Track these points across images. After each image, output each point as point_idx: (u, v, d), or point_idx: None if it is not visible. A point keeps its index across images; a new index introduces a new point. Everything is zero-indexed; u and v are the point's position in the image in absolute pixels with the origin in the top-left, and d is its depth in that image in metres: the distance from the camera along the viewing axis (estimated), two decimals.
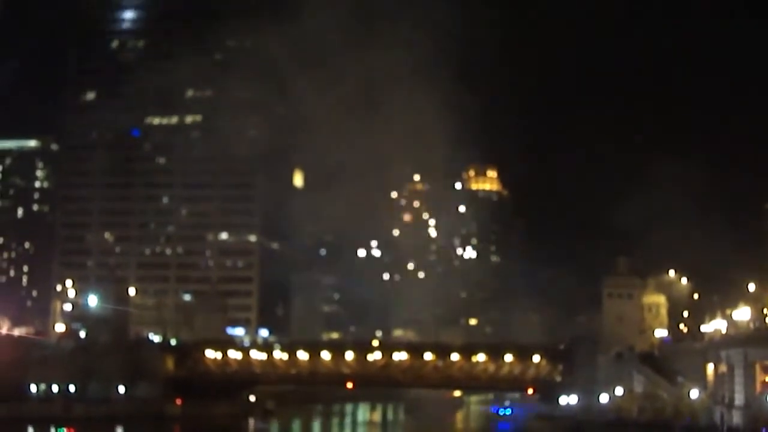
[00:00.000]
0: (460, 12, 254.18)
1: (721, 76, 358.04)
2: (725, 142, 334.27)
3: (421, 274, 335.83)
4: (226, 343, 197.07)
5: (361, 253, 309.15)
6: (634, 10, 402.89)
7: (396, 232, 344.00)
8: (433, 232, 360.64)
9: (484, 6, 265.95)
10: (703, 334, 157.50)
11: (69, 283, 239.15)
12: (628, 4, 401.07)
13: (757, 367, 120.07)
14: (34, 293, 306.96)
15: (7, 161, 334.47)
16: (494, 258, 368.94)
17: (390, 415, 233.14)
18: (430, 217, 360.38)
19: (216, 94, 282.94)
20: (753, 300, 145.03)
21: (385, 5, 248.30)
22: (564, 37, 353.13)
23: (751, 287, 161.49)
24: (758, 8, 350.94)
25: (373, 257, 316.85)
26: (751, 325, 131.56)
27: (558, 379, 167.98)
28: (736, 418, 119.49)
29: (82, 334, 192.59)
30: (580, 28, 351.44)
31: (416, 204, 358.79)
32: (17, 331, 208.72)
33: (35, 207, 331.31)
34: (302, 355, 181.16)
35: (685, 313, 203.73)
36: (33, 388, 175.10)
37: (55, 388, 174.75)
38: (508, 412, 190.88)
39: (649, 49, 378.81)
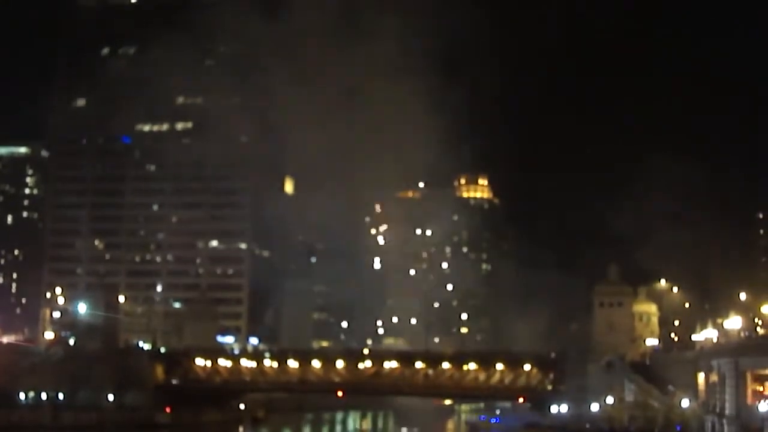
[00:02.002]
0: (448, 17, 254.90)
1: (719, 84, 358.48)
2: (718, 151, 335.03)
3: (412, 283, 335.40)
4: (216, 351, 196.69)
5: (352, 260, 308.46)
6: (629, 11, 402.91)
7: (387, 240, 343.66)
8: (424, 240, 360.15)
9: (473, 9, 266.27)
10: (694, 343, 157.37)
11: (58, 290, 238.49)
12: (622, 4, 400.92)
13: (748, 377, 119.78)
14: (23, 300, 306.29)
15: None
16: (485, 266, 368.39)
17: (380, 424, 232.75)
18: (421, 225, 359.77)
19: (206, 100, 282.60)
20: (744, 309, 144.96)
21: (375, 14, 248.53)
22: (555, 41, 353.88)
23: (742, 296, 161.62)
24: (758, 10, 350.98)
25: (364, 265, 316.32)
26: (742, 335, 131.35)
27: (549, 387, 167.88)
28: (727, 427, 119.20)
29: (72, 341, 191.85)
30: (572, 31, 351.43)
31: (407, 211, 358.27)
32: (6, 339, 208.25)
33: (25, 214, 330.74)
34: (292, 363, 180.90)
35: (676, 322, 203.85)
36: (22, 395, 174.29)
37: (44, 396, 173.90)
38: (496, 420, 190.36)
39: (644, 52, 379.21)
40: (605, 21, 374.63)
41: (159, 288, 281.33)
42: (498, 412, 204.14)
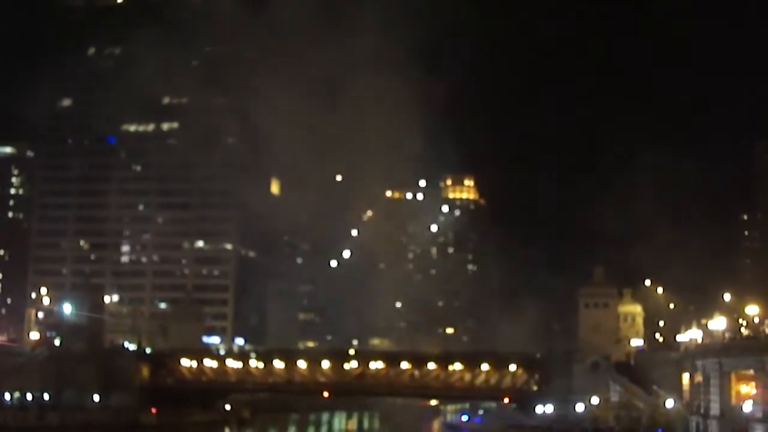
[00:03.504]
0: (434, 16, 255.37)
1: (707, 84, 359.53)
2: (703, 152, 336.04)
3: (398, 283, 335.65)
4: (201, 351, 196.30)
5: (338, 261, 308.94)
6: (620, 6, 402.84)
7: (373, 241, 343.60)
8: (410, 241, 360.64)
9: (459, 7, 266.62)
10: (678, 343, 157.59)
11: (44, 290, 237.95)
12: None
13: (733, 377, 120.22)
14: (9, 301, 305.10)
15: None
16: (471, 266, 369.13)
17: (366, 424, 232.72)
18: (408, 225, 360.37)
19: (192, 101, 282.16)
20: (728, 310, 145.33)
21: (359, 9, 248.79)
22: (543, 40, 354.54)
23: (727, 297, 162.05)
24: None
25: (350, 265, 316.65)
26: (727, 335, 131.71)
27: (534, 388, 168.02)
28: (712, 427, 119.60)
29: (57, 341, 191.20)
30: (560, 29, 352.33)
31: (393, 212, 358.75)
32: None
33: (10, 214, 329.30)
34: (278, 364, 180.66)
35: (661, 323, 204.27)
36: (7, 396, 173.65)
37: (29, 397, 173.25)
38: (477, 421, 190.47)
39: (631, 52, 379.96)
40: (595, 17, 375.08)
41: (144, 288, 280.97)
42: (480, 412, 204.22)
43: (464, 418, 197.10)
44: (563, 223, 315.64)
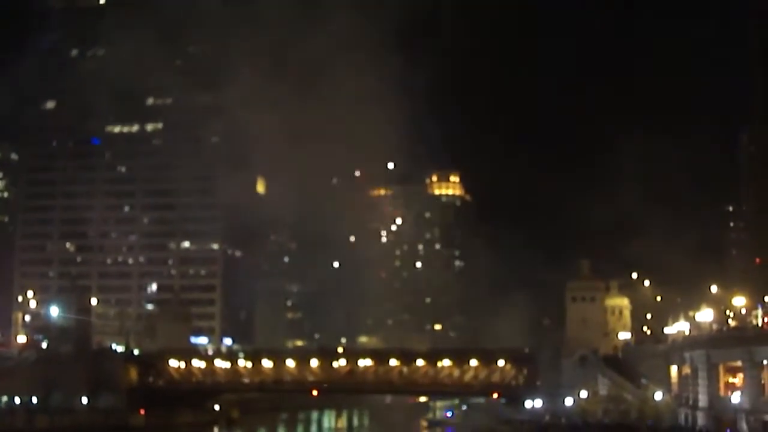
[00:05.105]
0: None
1: (692, 77, 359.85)
2: (689, 145, 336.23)
3: (385, 280, 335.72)
4: (189, 352, 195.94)
5: (325, 260, 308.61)
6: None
7: (359, 239, 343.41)
8: (396, 238, 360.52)
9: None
10: (666, 336, 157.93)
11: (30, 293, 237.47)
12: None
13: (720, 369, 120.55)
14: None
15: None
16: (458, 263, 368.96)
17: (355, 422, 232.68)
18: (394, 223, 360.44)
19: (176, 101, 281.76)
20: (715, 302, 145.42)
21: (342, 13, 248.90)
22: (523, 35, 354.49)
23: (714, 289, 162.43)
24: None
25: (337, 264, 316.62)
26: (714, 327, 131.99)
27: (523, 382, 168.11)
28: (701, 419, 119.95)
29: (44, 344, 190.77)
30: (540, 26, 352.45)
31: (379, 209, 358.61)
32: None
33: None
34: (267, 363, 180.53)
35: (649, 316, 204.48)
36: None
37: (17, 400, 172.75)
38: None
39: (616, 48, 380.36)
40: (580, 7, 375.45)
41: (131, 290, 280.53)
42: (464, 408, 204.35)
43: (449, 414, 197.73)
44: (550, 217, 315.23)
